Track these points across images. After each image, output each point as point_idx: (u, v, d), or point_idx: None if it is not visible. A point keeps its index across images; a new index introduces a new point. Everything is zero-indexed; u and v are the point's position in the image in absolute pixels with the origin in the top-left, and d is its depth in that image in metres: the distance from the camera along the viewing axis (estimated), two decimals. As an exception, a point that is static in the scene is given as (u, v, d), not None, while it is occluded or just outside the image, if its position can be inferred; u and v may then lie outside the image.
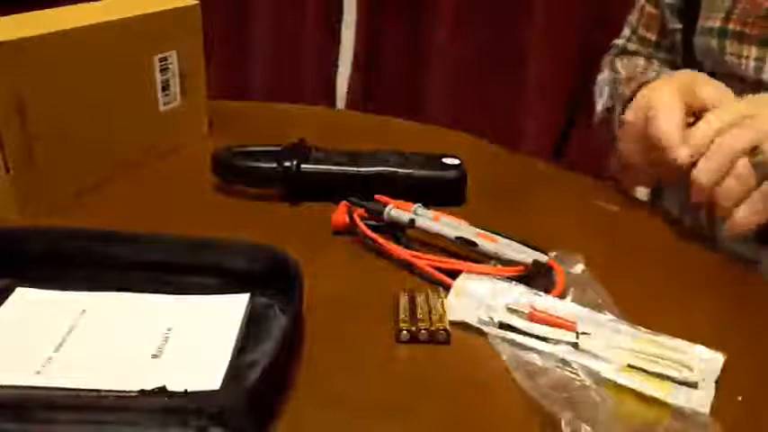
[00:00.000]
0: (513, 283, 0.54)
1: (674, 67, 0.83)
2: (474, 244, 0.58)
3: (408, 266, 0.58)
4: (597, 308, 0.52)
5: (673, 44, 0.84)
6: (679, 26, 0.81)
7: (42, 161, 0.64)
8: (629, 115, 0.68)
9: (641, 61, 0.85)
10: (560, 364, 0.47)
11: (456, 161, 0.70)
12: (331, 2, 1.63)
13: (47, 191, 0.65)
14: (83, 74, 0.67)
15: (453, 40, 1.53)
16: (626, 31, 0.90)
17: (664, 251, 0.65)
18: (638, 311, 0.52)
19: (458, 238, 0.59)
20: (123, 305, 0.51)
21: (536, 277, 0.55)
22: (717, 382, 0.46)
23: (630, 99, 0.71)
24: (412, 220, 0.61)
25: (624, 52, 0.89)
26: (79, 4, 0.72)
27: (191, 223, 0.59)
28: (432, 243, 0.60)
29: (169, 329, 0.48)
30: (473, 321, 0.51)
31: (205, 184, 0.70)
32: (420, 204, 0.62)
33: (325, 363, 0.47)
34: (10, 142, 0.61)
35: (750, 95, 0.62)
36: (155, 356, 0.46)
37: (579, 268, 0.56)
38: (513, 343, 0.49)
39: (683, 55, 0.81)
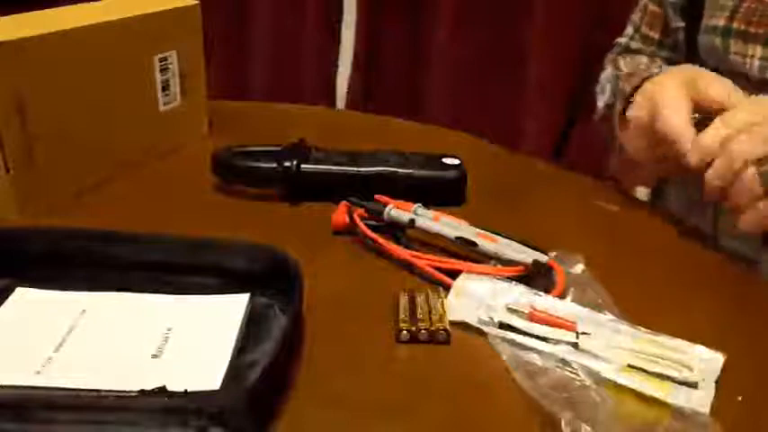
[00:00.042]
0: (513, 283, 0.54)
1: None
2: (474, 244, 0.58)
3: (408, 266, 0.58)
4: (597, 308, 0.52)
5: (676, 43, 0.84)
6: (682, 24, 0.81)
7: (42, 161, 0.64)
8: (634, 111, 0.68)
9: (644, 59, 0.85)
10: (560, 364, 0.47)
11: (456, 161, 0.70)
12: (331, 2, 1.63)
13: (47, 191, 0.65)
14: (83, 74, 0.67)
15: (453, 40, 1.53)
16: (629, 30, 0.90)
17: (664, 251, 0.65)
18: (638, 311, 0.52)
19: (458, 238, 0.59)
20: (123, 305, 0.51)
21: (536, 277, 0.55)
22: (717, 382, 0.46)
23: (632, 95, 0.71)
24: (412, 220, 0.61)
25: (627, 51, 0.89)
26: (79, 4, 0.72)
27: (191, 223, 0.59)
28: (432, 243, 0.60)
29: (169, 329, 0.48)
30: (473, 321, 0.51)
31: (205, 184, 0.70)
32: (420, 204, 0.62)
33: (325, 363, 0.47)
34: (10, 142, 0.61)
35: (755, 96, 0.62)
36: (155, 356, 0.46)
37: (579, 268, 0.56)
38: (513, 343, 0.49)
39: (686, 54, 0.81)
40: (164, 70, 0.75)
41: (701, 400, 0.44)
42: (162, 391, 0.39)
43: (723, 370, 0.47)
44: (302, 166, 0.67)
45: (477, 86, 1.56)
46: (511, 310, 0.51)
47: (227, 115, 0.87)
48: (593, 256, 0.57)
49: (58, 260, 0.53)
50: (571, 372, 0.46)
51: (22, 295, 0.51)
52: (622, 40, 0.90)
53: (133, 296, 0.52)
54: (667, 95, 0.63)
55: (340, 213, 0.63)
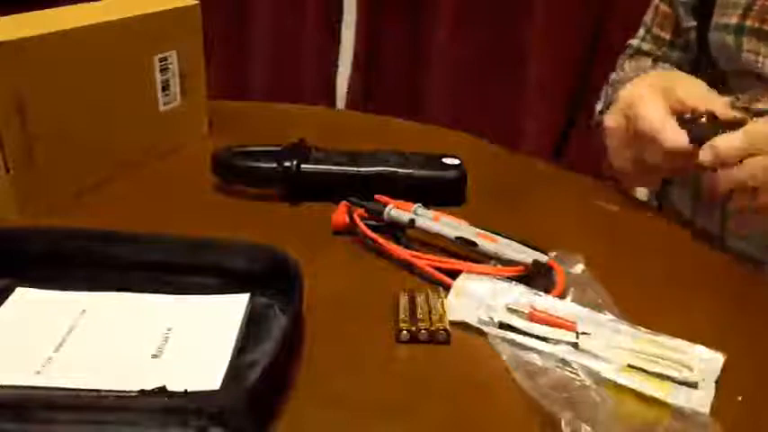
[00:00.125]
0: (513, 283, 0.54)
1: (690, 66, 0.82)
2: (474, 244, 0.58)
3: (408, 266, 0.58)
4: (597, 308, 0.52)
5: (687, 43, 0.83)
6: (693, 24, 0.80)
7: (42, 161, 0.64)
8: (610, 121, 0.67)
9: (648, 62, 0.85)
10: (560, 364, 0.47)
11: (456, 161, 0.70)
12: (331, 2, 1.63)
13: (47, 191, 0.65)
14: (83, 74, 0.67)
15: (453, 40, 1.53)
16: (640, 31, 0.89)
17: (664, 251, 0.65)
18: (638, 311, 0.52)
19: (458, 238, 0.59)
20: (123, 305, 0.51)
21: (536, 277, 0.55)
22: (717, 382, 0.46)
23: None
24: (412, 220, 0.61)
25: (638, 52, 0.88)
26: (79, 4, 0.72)
27: (191, 223, 0.59)
28: (432, 243, 0.60)
29: (169, 329, 0.48)
30: (473, 321, 0.51)
31: (205, 184, 0.70)
32: (420, 204, 0.62)
33: (325, 363, 0.47)
34: (10, 142, 0.61)
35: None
36: (155, 356, 0.46)
37: (579, 268, 0.56)
38: (513, 343, 0.49)
39: (697, 53, 0.80)
40: (164, 70, 0.75)
41: (701, 400, 0.44)
42: (162, 391, 0.39)
43: (723, 370, 0.47)
44: (302, 166, 0.67)
45: (477, 86, 1.56)
46: (511, 310, 0.51)
47: (227, 115, 0.87)
48: (593, 256, 0.57)
49: (58, 260, 0.53)
50: (571, 372, 0.46)
51: (22, 295, 0.51)
52: (634, 41, 0.89)
53: (133, 296, 0.52)
54: (641, 97, 0.62)
55: (340, 213, 0.63)
